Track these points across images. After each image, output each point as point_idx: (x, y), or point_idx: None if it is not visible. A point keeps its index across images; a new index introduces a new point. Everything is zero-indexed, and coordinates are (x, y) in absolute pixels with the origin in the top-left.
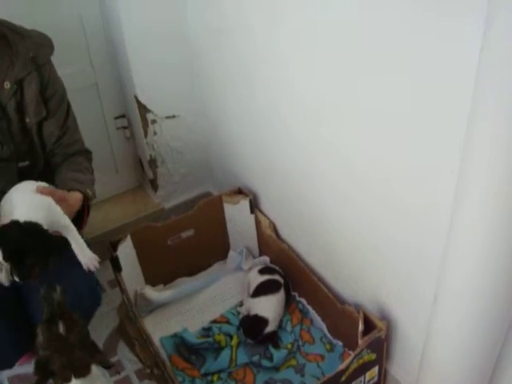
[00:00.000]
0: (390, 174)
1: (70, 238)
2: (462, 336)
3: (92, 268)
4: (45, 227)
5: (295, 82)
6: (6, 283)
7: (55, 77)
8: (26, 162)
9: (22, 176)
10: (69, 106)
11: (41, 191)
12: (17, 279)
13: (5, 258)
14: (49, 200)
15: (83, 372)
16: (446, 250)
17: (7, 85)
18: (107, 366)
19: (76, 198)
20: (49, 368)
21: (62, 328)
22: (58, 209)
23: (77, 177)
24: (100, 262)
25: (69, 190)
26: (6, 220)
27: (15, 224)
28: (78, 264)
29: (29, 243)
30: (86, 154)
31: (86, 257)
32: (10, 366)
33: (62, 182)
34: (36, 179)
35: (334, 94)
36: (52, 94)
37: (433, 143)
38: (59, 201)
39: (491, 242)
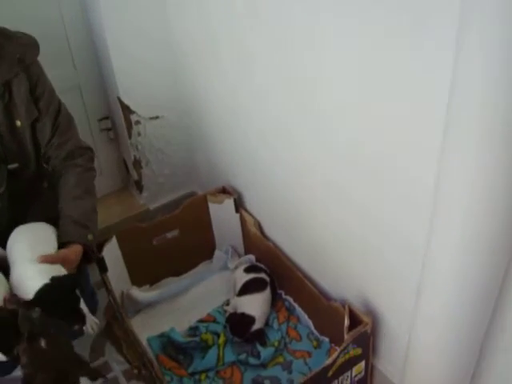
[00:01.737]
0: (377, 164)
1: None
2: (445, 327)
3: (91, 331)
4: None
5: (277, 79)
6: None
7: (43, 77)
8: (16, 164)
9: (12, 178)
10: (60, 104)
11: (43, 261)
12: (76, 327)
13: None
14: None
15: None
16: (429, 242)
17: None
18: (95, 377)
19: (76, 252)
20: None
21: (43, 343)
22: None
23: (79, 212)
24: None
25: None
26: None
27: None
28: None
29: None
30: (85, 152)
31: (89, 318)
32: (9, 371)
33: (64, 225)
34: (27, 182)
35: (318, 89)
36: (41, 94)
37: (416, 130)
38: (61, 263)
39: (474, 233)
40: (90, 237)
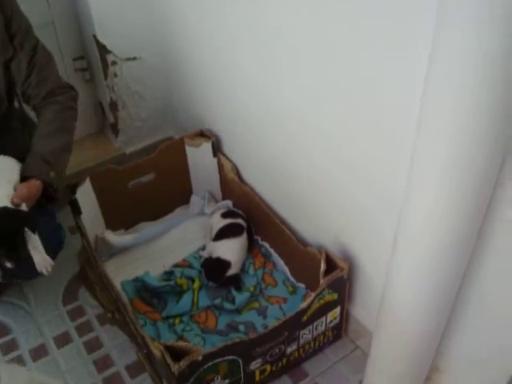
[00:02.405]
0: (357, 100)
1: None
2: (421, 275)
3: (44, 271)
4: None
5: (261, 18)
6: None
7: (18, 12)
8: None
9: None
10: (37, 41)
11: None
12: (9, 265)
13: None
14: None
15: None
16: (407, 186)
17: None
18: None
19: (35, 187)
20: None
21: None
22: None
23: (47, 149)
24: (60, 209)
25: (30, 176)
26: None
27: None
28: (40, 208)
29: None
30: (67, 90)
31: (42, 258)
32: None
33: (28, 159)
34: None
35: (295, 32)
36: (16, 31)
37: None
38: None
39: (451, 184)
40: (51, 174)
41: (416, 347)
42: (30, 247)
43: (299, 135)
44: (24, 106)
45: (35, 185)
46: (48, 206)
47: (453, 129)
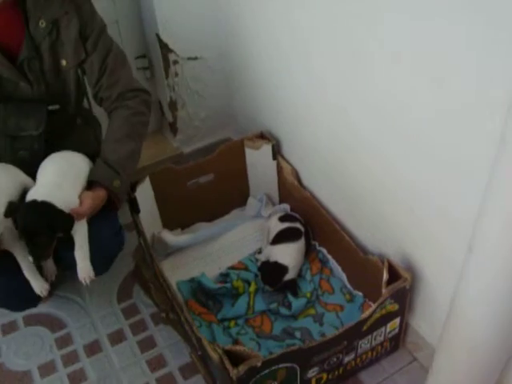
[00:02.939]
0: (425, 121)
1: (76, 239)
2: (493, 295)
3: (83, 281)
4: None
5: (328, 23)
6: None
7: (94, 15)
8: (57, 106)
9: (52, 119)
10: (111, 44)
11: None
12: (30, 259)
13: (21, 238)
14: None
15: None
16: (484, 195)
17: (42, 23)
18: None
19: (99, 198)
20: None
21: None
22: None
23: (115, 157)
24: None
25: (94, 184)
26: (32, 193)
27: (31, 205)
28: (102, 208)
29: (42, 225)
30: (138, 94)
31: (85, 268)
32: (35, 304)
33: (96, 164)
34: (65, 125)
35: (367, 37)
36: (90, 33)
37: (476, 89)
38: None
39: None
40: (115, 183)
41: (483, 365)
42: (77, 254)
43: (368, 136)
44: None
45: (99, 196)
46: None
47: None
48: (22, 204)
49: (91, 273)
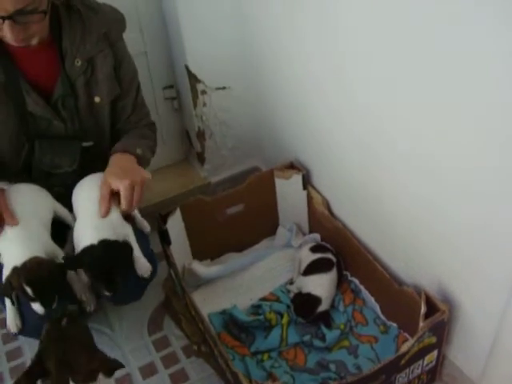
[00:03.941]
0: (456, 153)
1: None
2: None
3: (145, 276)
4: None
5: (356, 50)
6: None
7: (128, 55)
8: (91, 142)
9: (86, 155)
10: (139, 83)
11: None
12: (108, 293)
13: (94, 278)
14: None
15: (83, 378)
16: None
17: (78, 62)
18: (109, 372)
19: (130, 160)
20: (44, 364)
21: (64, 321)
22: (122, 222)
23: (131, 142)
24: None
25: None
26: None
27: (102, 245)
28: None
29: (117, 262)
30: (151, 126)
31: (144, 264)
32: None
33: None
34: (99, 160)
35: (401, 65)
36: (125, 73)
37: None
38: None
39: None
40: (138, 151)
41: None
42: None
43: (399, 167)
44: None
45: (129, 157)
46: (143, 234)
47: None
48: (88, 250)
49: (150, 267)
